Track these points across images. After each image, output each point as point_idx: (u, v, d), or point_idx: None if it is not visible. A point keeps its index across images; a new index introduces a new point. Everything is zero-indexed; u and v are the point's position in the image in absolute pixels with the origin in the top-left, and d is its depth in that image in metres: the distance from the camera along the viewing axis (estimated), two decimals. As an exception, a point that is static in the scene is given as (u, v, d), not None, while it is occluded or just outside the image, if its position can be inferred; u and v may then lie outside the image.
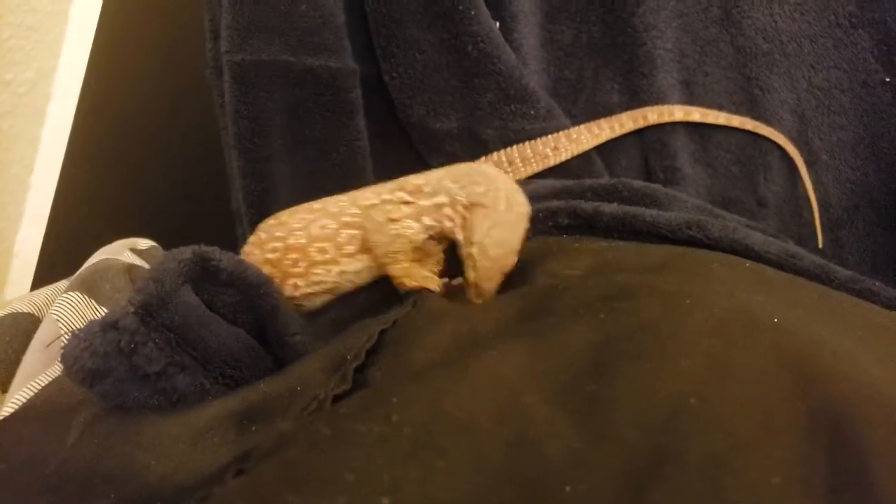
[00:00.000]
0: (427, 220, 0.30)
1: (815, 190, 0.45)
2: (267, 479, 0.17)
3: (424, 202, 0.31)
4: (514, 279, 0.29)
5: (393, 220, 0.31)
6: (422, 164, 0.47)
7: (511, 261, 0.28)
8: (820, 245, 0.44)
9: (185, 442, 0.23)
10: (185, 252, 0.27)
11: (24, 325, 0.30)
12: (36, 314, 0.31)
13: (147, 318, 0.26)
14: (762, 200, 0.46)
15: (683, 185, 0.45)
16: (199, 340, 0.27)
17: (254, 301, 0.28)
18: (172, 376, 0.26)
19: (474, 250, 0.28)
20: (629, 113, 0.44)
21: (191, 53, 0.54)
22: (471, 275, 0.28)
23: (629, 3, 0.43)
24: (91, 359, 0.25)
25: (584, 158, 0.43)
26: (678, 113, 0.43)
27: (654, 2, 0.43)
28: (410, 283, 0.30)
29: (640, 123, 0.43)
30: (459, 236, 0.30)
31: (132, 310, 0.26)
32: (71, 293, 0.30)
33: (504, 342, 0.21)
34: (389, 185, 0.33)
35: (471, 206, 0.29)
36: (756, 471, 0.15)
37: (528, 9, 0.44)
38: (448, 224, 0.30)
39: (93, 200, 0.67)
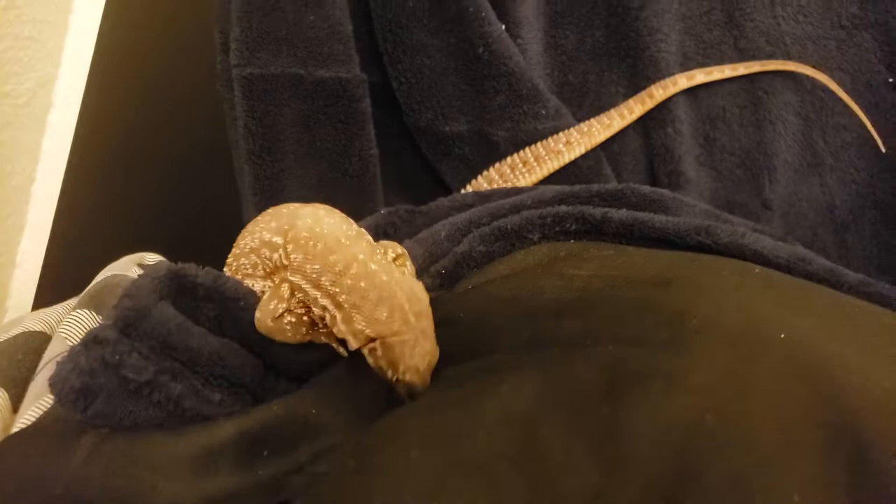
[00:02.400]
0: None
1: (822, 192, 0.45)
2: None
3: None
4: (520, 284, 0.29)
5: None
6: (429, 170, 0.47)
7: (436, 355, 0.26)
8: (883, 149, 0.43)
9: (193, 464, 0.23)
10: (160, 268, 0.27)
11: (36, 344, 0.30)
12: (48, 332, 0.31)
13: (127, 330, 0.26)
14: (767, 203, 0.46)
15: (688, 188, 0.45)
16: (182, 344, 0.26)
17: (235, 313, 0.28)
18: (164, 384, 0.25)
19: (408, 377, 0.25)
20: (634, 98, 0.44)
21: (194, 62, 0.54)
22: (406, 390, 0.25)
23: (633, 8, 0.43)
24: (79, 377, 0.24)
25: (593, 161, 0.43)
26: (682, 80, 0.43)
27: (657, 5, 0.43)
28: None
29: (648, 104, 0.43)
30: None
31: (110, 323, 0.26)
32: (79, 311, 0.30)
33: (515, 374, 0.21)
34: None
35: (382, 341, 0.26)
36: (780, 488, 0.15)
37: (531, 14, 0.44)
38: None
39: (95, 211, 0.67)
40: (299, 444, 0.23)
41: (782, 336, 0.20)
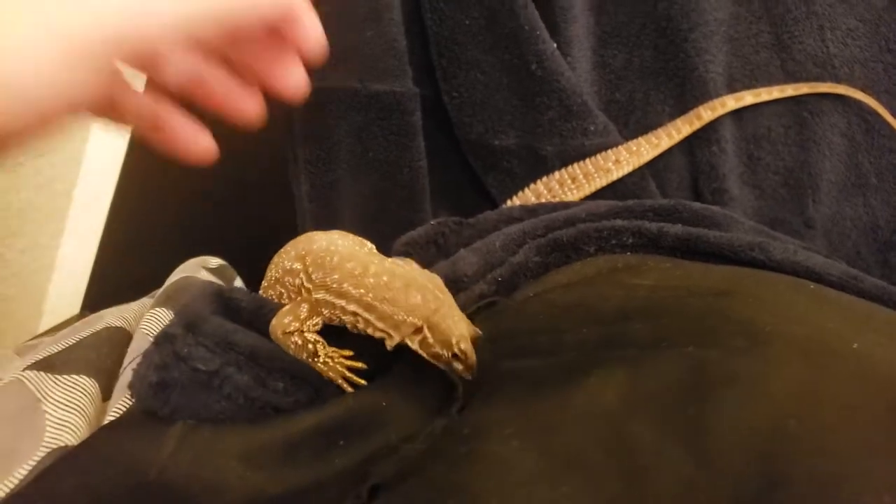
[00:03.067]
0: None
1: (865, 212, 0.46)
2: (410, 496, 0.18)
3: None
4: (582, 292, 0.30)
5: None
6: (474, 183, 0.48)
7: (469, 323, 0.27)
8: None
9: (276, 454, 0.24)
10: (209, 289, 0.30)
11: (118, 338, 0.32)
12: (126, 329, 0.32)
13: (191, 328, 0.28)
14: (810, 222, 0.46)
15: (732, 206, 0.46)
16: (242, 341, 0.28)
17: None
18: (231, 376, 0.27)
19: (462, 346, 0.25)
20: (682, 118, 0.45)
21: None
22: (463, 364, 0.26)
23: (682, 29, 0.44)
24: (155, 373, 0.27)
25: (638, 177, 0.44)
26: (730, 102, 0.44)
27: (706, 27, 0.44)
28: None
29: (696, 124, 0.44)
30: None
31: (176, 321, 0.28)
32: (158, 309, 0.32)
33: (600, 371, 0.22)
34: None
35: (429, 324, 0.26)
36: (869, 491, 0.16)
37: (582, 33, 0.45)
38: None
39: (147, 216, 0.68)
40: (373, 434, 0.24)
41: (850, 348, 0.21)
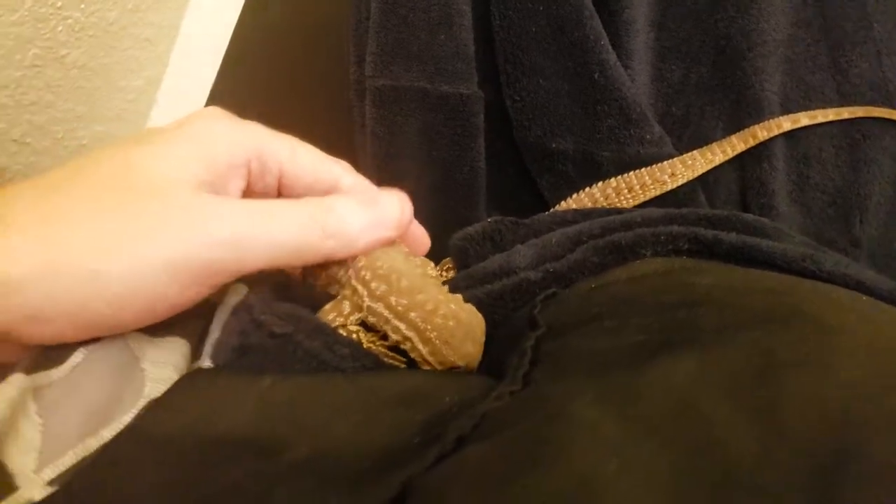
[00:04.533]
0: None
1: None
2: (495, 445, 0.20)
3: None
4: (644, 286, 0.31)
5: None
6: (527, 185, 0.50)
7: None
8: None
9: (360, 407, 0.26)
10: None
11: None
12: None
13: (265, 302, 0.30)
14: (856, 242, 0.47)
15: (778, 222, 0.47)
16: (307, 316, 0.30)
17: None
18: (302, 342, 0.29)
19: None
20: (738, 135, 0.46)
21: (323, 73, 0.59)
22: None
23: (741, 48, 0.46)
24: (236, 338, 0.29)
25: (689, 189, 0.46)
26: (786, 123, 0.45)
27: (764, 47, 0.46)
28: None
29: (751, 142, 0.46)
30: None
31: (252, 295, 0.31)
32: (238, 284, 0.34)
33: (670, 349, 0.23)
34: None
35: (468, 366, 0.30)
36: None
37: (642, 47, 0.47)
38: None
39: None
40: (441, 395, 0.26)
41: None
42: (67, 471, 0.24)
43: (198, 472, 0.23)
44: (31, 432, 0.24)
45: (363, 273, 0.31)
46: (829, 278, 0.33)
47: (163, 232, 0.26)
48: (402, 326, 0.30)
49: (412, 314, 0.30)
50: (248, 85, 0.69)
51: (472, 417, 0.22)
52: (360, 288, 0.31)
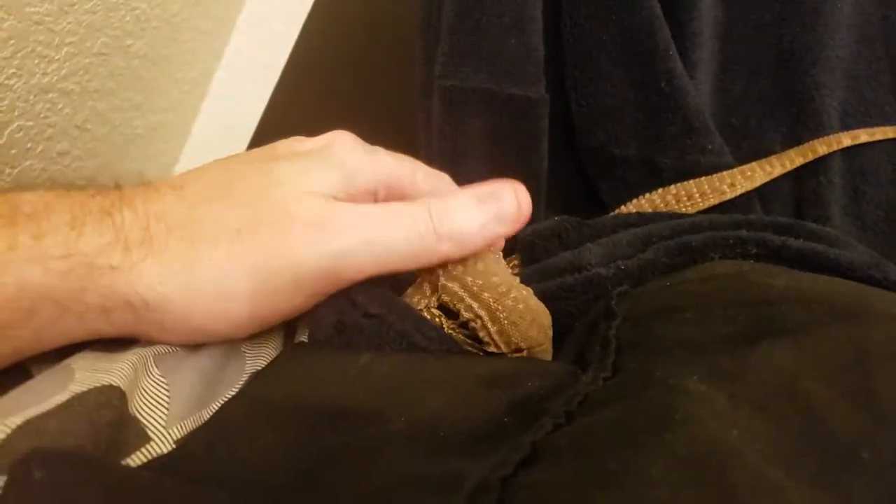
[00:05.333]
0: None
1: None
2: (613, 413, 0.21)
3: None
4: (718, 285, 0.32)
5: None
6: (583, 189, 0.51)
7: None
8: None
9: (453, 388, 0.27)
10: None
11: None
12: None
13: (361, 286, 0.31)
14: (907, 259, 0.48)
15: (832, 234, 0.48)
16: (396, 300, 0.32)
17: None
18: (393, 323, 0.30)
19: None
20: (797, 149, 0.47)
21: (387, 74, 0.60)
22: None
23: (804, 62, 0.47)
24: (334, 314, 0.30)
25: (746, 199, 0.47)
26: (846, 140, 0.46)
27: (827, 63, 0.47)
28: None
29: (809, 157, 0.47)
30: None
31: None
32: None
33: (765, 337, 0.24)
34: None
35: (530, 351, 0.32)
36: None
37: (706, 58, 0.48)
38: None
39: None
40: (530, 381, 0.27)
41: None
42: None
43: (306, 434, 0.25)
44: (157, 391, 0.26)
45: None
46: (894, 287, 0.34)
47: (289, 250, 0.27)
48: (475, 305, 0.32)
49: (486, 294, 0.31)
50: (311, 83, 0.71)
51: (576, 395, 0.23)
52: (438, 269, 0.33)
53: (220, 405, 0.27)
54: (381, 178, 0.32)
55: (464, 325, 0.32)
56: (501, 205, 0.32)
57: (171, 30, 0.79)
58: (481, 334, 0.32)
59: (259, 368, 0.30)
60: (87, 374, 0.26)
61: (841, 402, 0.20)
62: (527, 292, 0.32)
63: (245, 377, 0.29)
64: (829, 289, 0.31)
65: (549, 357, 0.32)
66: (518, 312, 0.31)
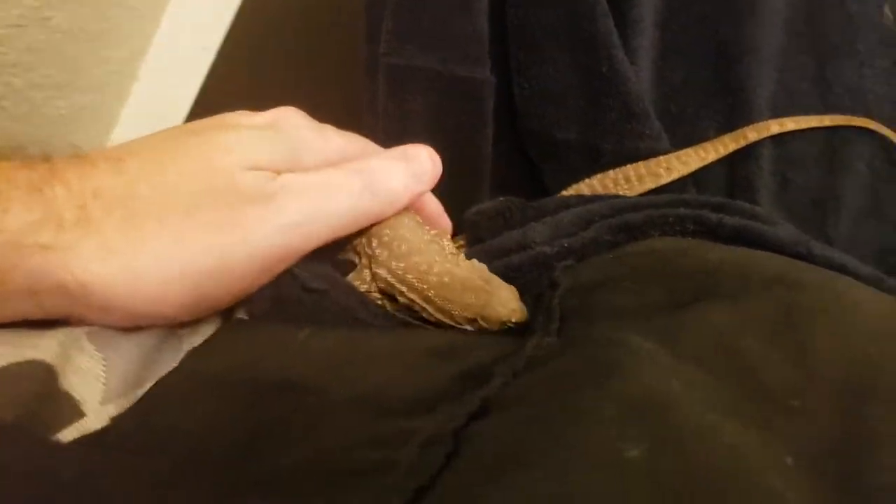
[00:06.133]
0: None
1: (878, 236, 0.50)
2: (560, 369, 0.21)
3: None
4: (659, 258, 0.33)
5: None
6: (527, 172, 0.52)
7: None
8: None
9: (401, 359, 0.27)
10: None
11: None
12: None
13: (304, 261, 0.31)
14: (829, 240, 0.51)
15: (761, 219, 0.50)
16: (341, 279, 0.32)
17: None
18: (338, 298, 0.30)
19: (514, 319, 0.30)
20: (730, 135, 0.49)
21: (327, 54, 0.59)
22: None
23: (739, 54, 0.49)
24: (270, 287, 0.30)
25: (681, 184, 0.48)
26: (774, 126, 0.49)
27: (759, 54, 0.49)
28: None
29: (741, 143, 0.49)
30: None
31: None
32: None
33: (701, 301, 0.25)
34: None
35: (481, 316, 0.31)
36: None
37: (647, 45, 0.49)
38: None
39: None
40: (480, 350, 0.27)
41: None
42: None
43: (245, 406, 0.24)
44: (93, 366, 0.24)
45: (371, 241, 0.33)
46: (818, 262, 0.36)
47: (241, 226, 0.27)
48: (405, 289, 0.31)
49: (409, 276, 0.31)
50: (247, 62, 0.69)
51: (522, 357, 0.23)
52: (367, 256, 0.33)
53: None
54: (330, 156, 0.31)
55: (409, 307, 0.32)
56: (418, 163, 0.33)
57: (95, 5, 0.75)
58: (424, 315, 0.31)
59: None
60: (7, 349, 0.24)
61: (776, 358, 0.21)
62: (451, 263, 0.32)
63: (182, 356, 0.28)
64: (762, 261, 0.32)
65: (503, 300, 0.31)
66: (446, 287, 0.31)
